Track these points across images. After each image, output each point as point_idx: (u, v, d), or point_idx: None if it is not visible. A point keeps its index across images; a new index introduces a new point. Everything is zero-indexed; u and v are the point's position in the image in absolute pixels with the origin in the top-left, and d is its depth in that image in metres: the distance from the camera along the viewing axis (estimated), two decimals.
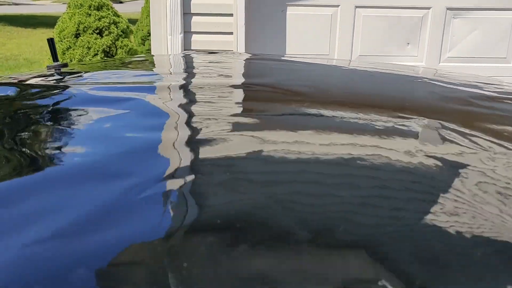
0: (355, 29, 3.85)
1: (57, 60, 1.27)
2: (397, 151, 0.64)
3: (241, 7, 3.52)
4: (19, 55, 8.40)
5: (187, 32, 3.63)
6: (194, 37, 3.65)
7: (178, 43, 3.60)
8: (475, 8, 3.78)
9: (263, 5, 3.75)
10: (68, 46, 4.15)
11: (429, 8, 3.79)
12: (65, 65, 1.30)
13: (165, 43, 3.64)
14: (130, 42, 4.46)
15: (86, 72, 1.27)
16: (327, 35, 3.87)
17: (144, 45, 6.48)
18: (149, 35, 8.08)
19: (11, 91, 0.94)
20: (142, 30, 6.44)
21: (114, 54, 4.21)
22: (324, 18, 3.83)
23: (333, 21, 3.84)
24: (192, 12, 3.59)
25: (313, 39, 3.86)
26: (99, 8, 4.27)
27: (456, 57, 3.90)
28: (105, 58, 4.03)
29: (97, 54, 4.11)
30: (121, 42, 4.28)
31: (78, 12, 4.17)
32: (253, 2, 3.63)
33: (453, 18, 3.81)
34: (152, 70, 1.37)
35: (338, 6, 3.80)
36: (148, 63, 1.54)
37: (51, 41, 1.25)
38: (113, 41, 4.25)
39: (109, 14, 4.32)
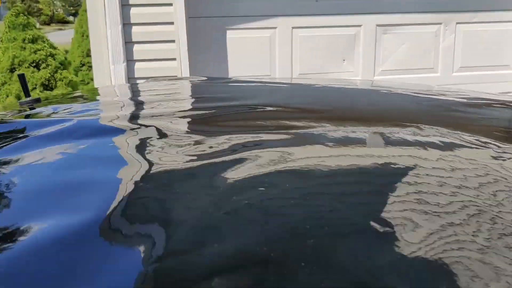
0: (293, 49, 4.01)
1: (29, 95, 1.26)
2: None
3: (183, 33, 3.58)
4: None
5: (130, 61, 3.64)
6: (138, 65, 3.67)
7: (121, 72, 3.60)
8: (402, 24, 4.06)
9: (203, 30, 3.83)
10: (3, 82, 4.01)
11: (360, 26, 4.02)
12: (38, 100, 1.28)
13: (108, 73, 3.62)
14: (70, 73, 4.40)
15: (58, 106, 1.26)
16: (267, 56, 4.00)
17: (77, 75, 6.35)
18: (82, 65, 7.96)
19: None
20: (75, 61, 6.32)
21: (53, 87, 4.11)
22: (262, 40, 3.97)
23: (272, 43, 3.98)
24: (133, 40, 3.61)
25: (253, 61, 3.98)
26: (33, 41, 4.17)
27: (388, 70, 4.15)
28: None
29: (35, 88, 4.01)
30: (60, 74, 4.20)
31: (12, 46, 4.05)
32: (193, 28, 3.70)
33: (383, 34, 4.06)
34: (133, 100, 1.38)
35: (275, 28, 3.95)
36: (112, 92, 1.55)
37: (22, 77, 1.25)
38: (51, 73, 4.16)
39: (45, 46, 4.23)
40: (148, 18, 3.60)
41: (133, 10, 3.58)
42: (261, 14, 3.90)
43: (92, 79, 6.73)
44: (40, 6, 45.35)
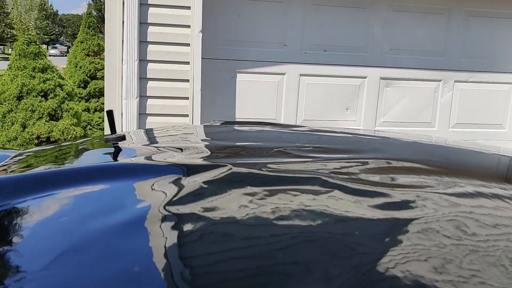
0: (299, 95, 4.12)
1: (115, 132, 1.27)
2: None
3: (198, 73, 3.64)
4: None
5: (142, 97, 3.65)
6: (150, 101, 3.68)
7: (133, 106, 3.60)
8: (404, 79, 4.25)
9: (215, 71, 3.90)
10: (9, 109, 3.93)
11: (365, 78, 4.18)
12: (123, 137, 1.27)
13: (120, 107, 3.62)
14: (76, 105, 4.36)
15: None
16: (274, 100, 4.09)
17: None
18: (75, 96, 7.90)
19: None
20: None
21: (59, 118, 4.05)
22: (271, 85, 4.07)
23: (279, 88, 4.08)
24: (148, 77, 3.64)
25: (261, 104, 4.06)
26: (43, 70, 4.13)
27: (389, 121, 4.30)
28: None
29: (41, 118, 3.94)
30: (67, 105, 4.15)
31: (21, 74, 3.99)
32: (205, 68, 3.77)
33: (385, 87, 4.23)
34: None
35: (284, 74, 4.06)
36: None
37: (110, 113, 1.26)
38: (58, 104, 4.11)
39: (54, 76, 4.19)
40: (165, 56, 3.65)
41: (150, 47, 3.62)
42: (272, 60, 4.01)
43: (82, 110, 6.66)
44: (15, 32, 44.92)
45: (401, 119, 4.32)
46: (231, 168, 0.79)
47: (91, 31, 6.94)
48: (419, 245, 0.58)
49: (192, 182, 0.74)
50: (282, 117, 4.15)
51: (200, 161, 0.89)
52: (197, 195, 0.70)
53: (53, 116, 4.07)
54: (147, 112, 3.68)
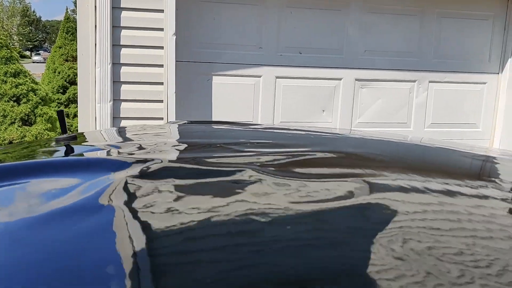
0: (276, 97, 4.13)
1: (66, 132, 1.25)
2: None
3: (172, 76, 3.63)
4: None
5: (116, 100, 3.63)
6: (124, 104, 3.66)
7: (107, 110, 3.58)
8: (379, 80, 4.28)
9: (191, 74, 3.90)
10: None
11: (340, 79, 4.21)
12: (74, 137, 1.26)
13: (93, 111, 3.60)
14: (50, 110, 4.32)
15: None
16: (251, 103, 4.10)
17: None
18: (51, 102, 7.83)
19: None
20: None
21: (32, 123, 4.01)
22: (247, 87, 4.07)
23: (256, 90, 4.09)
24: (121, 80, 3.63)
25: (237, 106, 4.06)
26: (15, 75, 4.09)
27: (365, 122, 4.33)
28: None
29: (14, 123, 3.90)
30: (41, 110, 4.11)
31: None
32: (180, 71, 3.76)
33: (361, 88, 4.26)
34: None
35: (260, 76, 4.07)
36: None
37: (60, 113, 1.24)
38: (31, 109, 4.07)
39: (27, 81, 4.15)
40: (138, 59, 3.63)
41: (123, 51, 3.61)
42: (248, 63, 4.02)
43: None
44: None
45: (377, 120, 4.35)
46: (160, 163, 0.80)
47: (70, 36, 6.89)
48: (328, 233, 0.59)
49: (118, 177, 0.74)
50: (259, 119, 4.16)
51: (134, 157, 0.89)
52: (120, 189, 0.70)
53: (26, 121, 4.02)
54: (121, 116, 3.66)
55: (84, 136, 1.31)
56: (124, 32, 3.59)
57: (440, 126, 4.48)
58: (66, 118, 6.21)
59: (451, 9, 4.34)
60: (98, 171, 0.77)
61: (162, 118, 3.70)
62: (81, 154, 1.02)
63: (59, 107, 6.58)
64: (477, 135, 4.55)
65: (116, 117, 3.66)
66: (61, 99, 6.53)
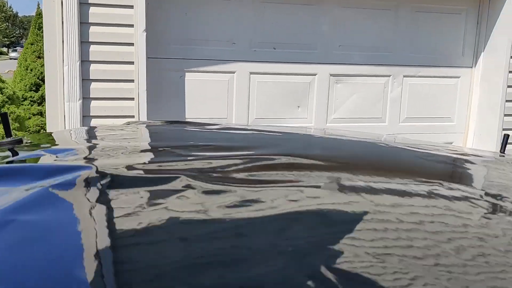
0: (250, 94, 4.09)
1: (10, 135, 1.20)
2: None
3: (143, 73, 3.56)
4: None
5: (86, 98, 3.55)
6: (94, 103, 3.58)
7: (76, 109, 3.50)
8: (353, 75, 4.26)
9: (163, 71, 3.83)
10: None
11: (315, 75, 4.18)
12: (20, 141, 1.20)
13: (62, 110, 3.51)
14: (17, 108, 4.21)
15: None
16: (225, 99, 4.05)
17: (18, 109, 6.09)
18: (24, 100, 7.66)
19: None
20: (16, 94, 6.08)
21: None
22: (221, 83, 4.02)
23: (230, 87, 4.04)
24: (91, 78, 3.54)
25: (211, 103, 4.01)
26: None
27: (340, 118, 4.31)
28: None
29: None
30: (7, 109, 4.00)
31: None
32: (152, 68, 3.69)
33: (335, 84, 4.24)
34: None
35: (234, 72, 4.02)
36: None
37: (4, 116, 1.18)
38: None
39: None
40: (108, 56, 3.55)
41: (92, 48, 3.52)
42: (221, 59, 3.96)
43: (34, 114, 6.47)
44: None
45: (352, 115, 4.34)
46: (89, 170, 0.75)
47: (42, 32, 6.73)
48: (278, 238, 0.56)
49: (39, 185, 0.70)
50: (234, 116, 4.11)
51: (65, 164, 0.85)
52: (40, 196, 0.66)
53: None
54: (91, 114, 3.58)
55: (31, 139, 1.26)
56: (92, 29, 3.50)
57: (414, 121, 4.49)
58: (39, 117, 6.03)
59: (425, 3, 4.34)
60: (21, 180, 0.73)
61: (134, 116, 3.63)
62: (18, 161, 0.97)
63: (32, 105, 6.44)
64: (452, 129, 4.58)
65: (86, 116, 3.57)
66: (33, 97, 6.38)
